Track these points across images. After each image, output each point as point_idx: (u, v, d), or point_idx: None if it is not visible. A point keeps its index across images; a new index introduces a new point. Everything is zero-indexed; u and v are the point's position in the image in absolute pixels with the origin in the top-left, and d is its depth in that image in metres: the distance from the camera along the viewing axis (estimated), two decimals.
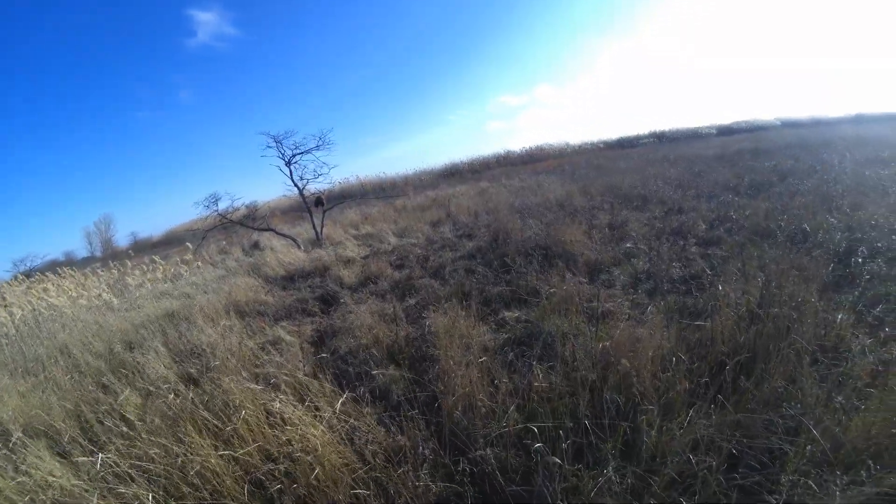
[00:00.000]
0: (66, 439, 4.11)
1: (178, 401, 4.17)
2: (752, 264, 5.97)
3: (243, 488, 3.21)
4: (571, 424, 3.39)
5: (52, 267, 21.23)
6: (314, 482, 3.13)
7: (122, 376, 5.15)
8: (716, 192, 11.73)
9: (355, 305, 7.17)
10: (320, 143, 14.54)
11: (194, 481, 3.22)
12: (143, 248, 33.64)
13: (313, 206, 15.68)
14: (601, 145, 45.23)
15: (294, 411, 3.64)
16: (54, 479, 3.40)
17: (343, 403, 3.89)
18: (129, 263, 16.33)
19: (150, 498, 3.11)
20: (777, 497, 2.64)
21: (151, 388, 4.72)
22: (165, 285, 12.22)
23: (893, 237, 6.44)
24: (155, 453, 3.47)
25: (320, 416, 3.70)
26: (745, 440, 3.03)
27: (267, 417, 3.74)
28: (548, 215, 11.82)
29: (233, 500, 3.14)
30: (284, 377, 4.46)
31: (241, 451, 3.40)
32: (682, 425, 3.18)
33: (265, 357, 5.29)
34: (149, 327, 7.18)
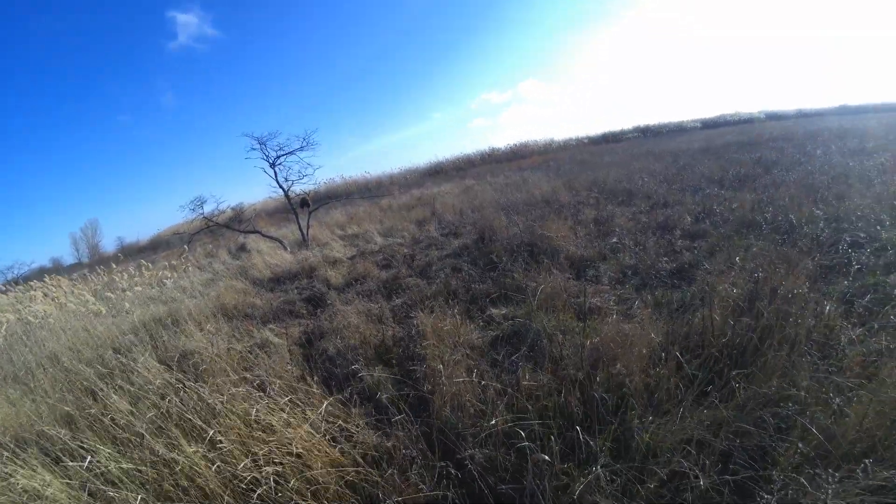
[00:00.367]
0: (56, 446, 4.07)
1: (165, 405, 4.15)
2: (740, 256, 5.99)
3: (231, 491, 3.20)
4: (561, 422, 3.39)
5: (40, 274, 21.07)
6: (302, 484, 3.12)
7: (110, 382, 5.10)
8: (701, 186, 11.80)
9: (342, 306, 7.16)
10: (304, 143, 14.55)
11: (182, 484, 3.22)
12: (130, 253, 33.32)
13: (299, 207, 15.67)
14: (586, 140, 45.24)
15: (282, 414, 3.63)
16: (43, 485, 3.38)
17: (331, 405, 3.88)
18: (116, 268, 16.25)
19: (139, 500, 3.10)
20: (769, 497, 2.63)
21: (140, 394, 4.68)
22: (153, 290, 12.17)
23: (878, 227, 6.47)
24: (144, 457, 3.46)
25: (308, 418, 3.68)
26: (736, 438, 3.02)
27: (255, 421, 3.70)
28: (533, 212, 11.85)
29: (221, 503, 3.13)
30: (272, 380, 4.43)
31: (228, 454, 3.38)
32: (673, 422, 3.17)
33: (253, 360, 5.26)
34: (137, 333, 7.14)
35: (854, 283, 5.07)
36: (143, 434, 3.77)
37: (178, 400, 4.20)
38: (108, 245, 48.42)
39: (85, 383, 5.53)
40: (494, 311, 6.04)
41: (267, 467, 3.25)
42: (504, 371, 4.35)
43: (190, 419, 3.83)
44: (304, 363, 5.09)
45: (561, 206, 12.12)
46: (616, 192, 12.96)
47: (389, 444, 3.55)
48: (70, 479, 3.49)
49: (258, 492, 3.13)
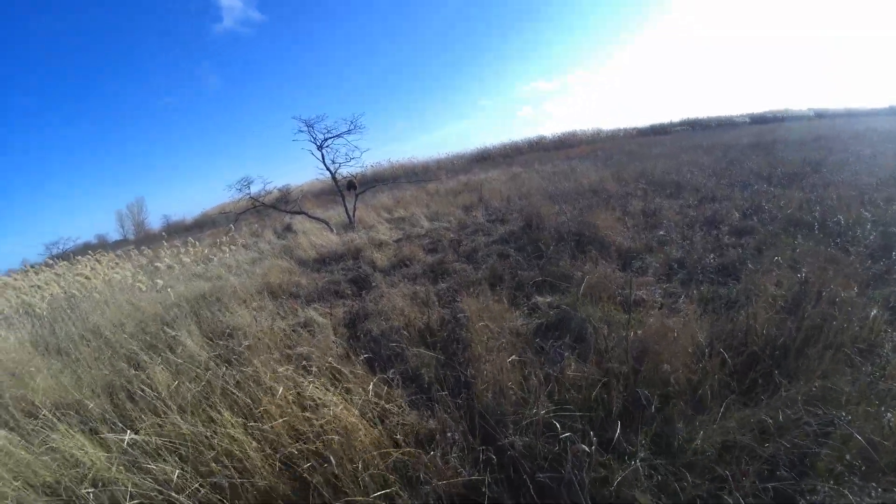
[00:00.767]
0: (96, 416, 4.17)
1: (208, 379, 4.23)
2: (787, 255, 5.92)
3: (272, 466, 3.24)
4: (602, 414, 3.40)
5: (85, 250, 21.52)
6: (343, 462, 3.15)
7: (153, 356, 5.19)
8: (749, 181, 11.63)
9: (388, 288, 7.20)
10: (352, 127, 14.62)
11: (222, 459, 3.26)
12: (175, 231, 33.63)
13: (346, 189, 15.80)
14: (634, 132, 44.90)
15: (325, 392, 3.65)
16: (82, 454, 3.44)
17: (374, 385, 3.91)
18: (162, 245, 16.55)
19: (178, 474, 3.13)
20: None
21: (183, 367, 4.76)
22: (198, 267, 12.35)
23: None
24: (184, 430, 3.50)
25: (351, 397, 3.71)
26: (776, 441, 2.97)
27: (297, 397, 3.75)
28: (580, 201, 11.79)
29: (261, 478, 3.16)
30: (316, 358, 4.48)
31: (269, 429, 3.43)
32: (714, 419, 3.16)
33: (297, 338, 5.33)
34: (181, 308, 7.21)
35: None
36: (183, 407, 3.86)
37: (221, 374, 4.29)
38: (154, 223, 48.93)
39: (127, 356, 5.66)
40: (539, 298, 6.00)
41: (308, 444, 3.30)
42: (547, 360, 4.32)
43: (233, 393, 3.90)
44: (347, 343, 5.09)
45: (609, 197, 12.03)
46: (664, 184, 12.84)
47: (431, 427, 3.57)
48: (109, 450, 3.55)
49: (299, 468, 3.17)
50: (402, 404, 3.83)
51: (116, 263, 15.13)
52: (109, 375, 4.98)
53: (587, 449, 2.92)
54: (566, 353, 4.30)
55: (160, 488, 3.10)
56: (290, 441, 3.38)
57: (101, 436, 3.72)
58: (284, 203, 15.34)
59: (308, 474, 3.13)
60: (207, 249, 15.08)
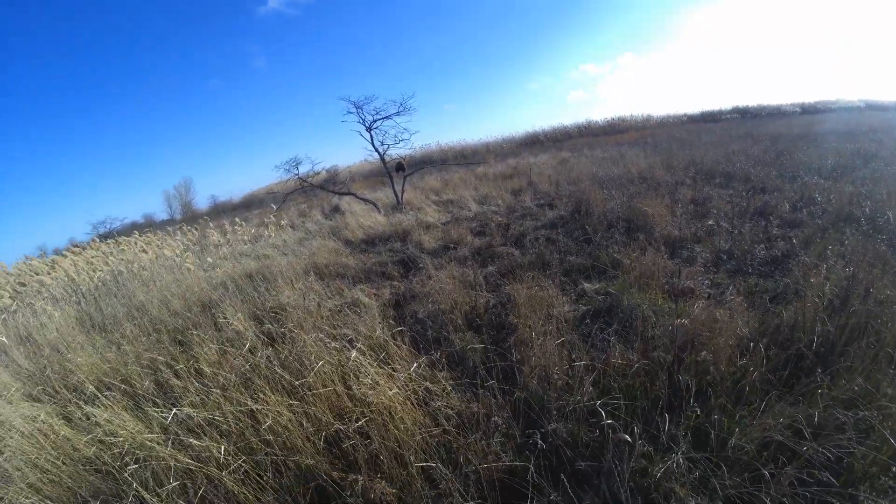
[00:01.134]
0: (139, 393, 4.24)
1: (253, 358, 4.26)
2: (835, 248, 5.86)
3: (315, 444, 3.26)
4: (646, 404, 3.40)
5: (132, 229, 21.79)
6: (386, 441, 3.18)
7: (199, 333, 5.16)
8: (799, 173, 11.42)
9: (435, 271, 7.23)
10: (401, 108, 14.59)
11: (266, 437, 3.27)
12: (222, 211, 33.93)
13: (394, 171, 15.84)
14: (684, 118, 44.25)
15: (370, 371, 3.65)
16: (125, 430, 3.47)
17: (419, 366, 3.92)
18: (209, 224, 16.86)
19: (221, 451, 3.15)
20: None
21: (228, 345, 4.78)
22: (245, 247, 12.49)
23: None
24: (228, 409, 3.51)
25: (396, 378, 3.71)
26: (815, 439, 2.90)
27: (343, 376, 3.79)
28: (629, 188, 11.70)
29: (303, 456, 3.19)
30: (362, 337, 4.51)
31: (314, 408, 3.46)
32: (754, 415, 3.15)
33: (343, 318, 5.34)
34: (228, 286, 7.25)
35: None
36: (227, 385, 3.89)
37: (266, 352, 4.33)
38: (201, 203, 49.98)
39: (172, 333, 5.76)
40: (587, 285, 6.02)
41: (350, 423, 3.31)
42: (593, 346, 4.35)
43: (278, 372, 3.93)
44: (394, 324, 5.12)
45: (658, 184, 11.94)
46: (714, 173, 12.70)
47: (475, 410, 3.57)
48: (151, 427, 3.60)
49: (343, 446, 3.22)
50: (446, 386, 3.84)
51: (164, 241, 15.38)
52: (154, 352, 5.01)
53: (628, 438, 2.93)
54: (612, 341, 4.30)
55: (202, 465, 3.13)
56: (332, 420, 3.42)
57: (145, 411, 3.80)
58: (332, 184, 15.48)
59: (351, 451, 3.18)
60: (255, 229, 15.27)
